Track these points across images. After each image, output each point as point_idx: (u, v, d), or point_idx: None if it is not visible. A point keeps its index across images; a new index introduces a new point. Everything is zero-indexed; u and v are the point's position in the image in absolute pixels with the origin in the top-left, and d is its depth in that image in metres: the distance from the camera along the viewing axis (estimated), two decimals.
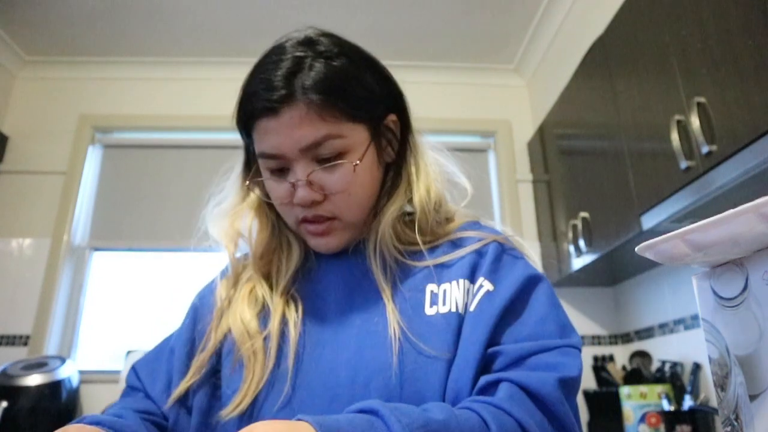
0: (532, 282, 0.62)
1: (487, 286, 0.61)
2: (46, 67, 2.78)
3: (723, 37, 1.20)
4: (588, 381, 2.22)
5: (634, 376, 1.97)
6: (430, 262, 0.66)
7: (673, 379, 1.85)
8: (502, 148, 2.73)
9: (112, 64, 2.78)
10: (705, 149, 1.22)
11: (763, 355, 0.39)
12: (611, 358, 2.26)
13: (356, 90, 0.65)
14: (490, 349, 0.57)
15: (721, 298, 0.44)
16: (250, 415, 0.60)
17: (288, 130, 0.62)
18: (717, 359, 0.44)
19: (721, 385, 0.43)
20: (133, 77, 2.80)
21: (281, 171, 0.66)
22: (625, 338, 2.35)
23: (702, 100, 1.25)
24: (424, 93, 2.72)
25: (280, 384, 0.61)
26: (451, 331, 0.59)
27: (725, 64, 1.20)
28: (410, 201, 0.70)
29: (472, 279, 0.63)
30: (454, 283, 0.63)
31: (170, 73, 2.81)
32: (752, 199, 0.36)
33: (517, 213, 2.60)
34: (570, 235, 2.08)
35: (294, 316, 0.66)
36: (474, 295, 0.61)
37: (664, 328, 2.03)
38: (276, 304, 0.67)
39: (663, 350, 2.03)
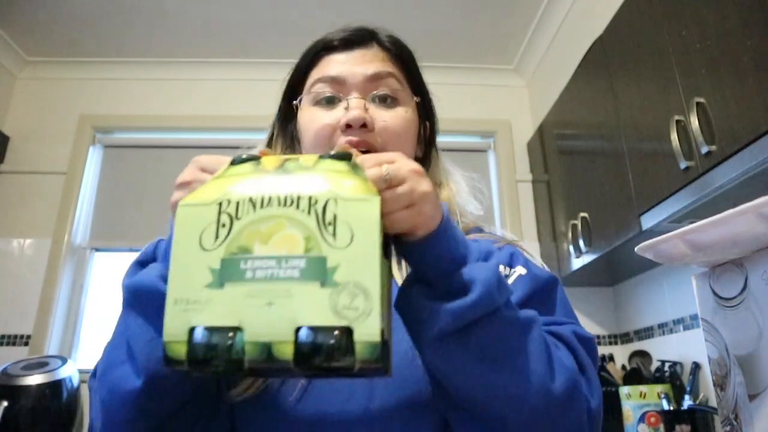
0: (554, 281, 0.63)
1: (520, 270, 0.61)
2: (46, 67, 2.78)
3: (723, 37, 1.21)
4: None
5: (633, 376, 1.97)
6: None
7: (673, 378, 1.85)
8: (501, 148, 2.73)
9: (112, 64, 2.78)
10: (704, 149, 1.23)
11: (762, 355, 0.39)
12: (611, 358, 2.26)
13: (418, 71, 0.73)
14: None
15: (721, 298, 0.44)
16: (262, 399, 0.57)
17: (357, 61, 0.67)
18: (716, 359, 0.44)
19: (721, 384, 0.44)
20: (133, 77, 2.80)
21: (330, 102, 0.66)
22: (625, 338, 2.35)
23: (701, 100, 1.26)
24: None
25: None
26: None
27: (725, 65, 1.20)
28: None
29: None
30: None
31: (170, 73, 2.81)
32: (752, 199, 0.36)
33: (517, 213, 2.60)
34: (570, 235, 2.08)
35: None
36: (507, 277, 0.60)
37: (664, 327, 2.04)
38: None
39: (662, 350, 2.03)
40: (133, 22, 2.52)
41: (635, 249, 0.48)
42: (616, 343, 2.40)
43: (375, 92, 0.66)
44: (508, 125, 2.78)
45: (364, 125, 0.63)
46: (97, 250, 2.58)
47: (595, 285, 2.42)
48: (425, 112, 0.75)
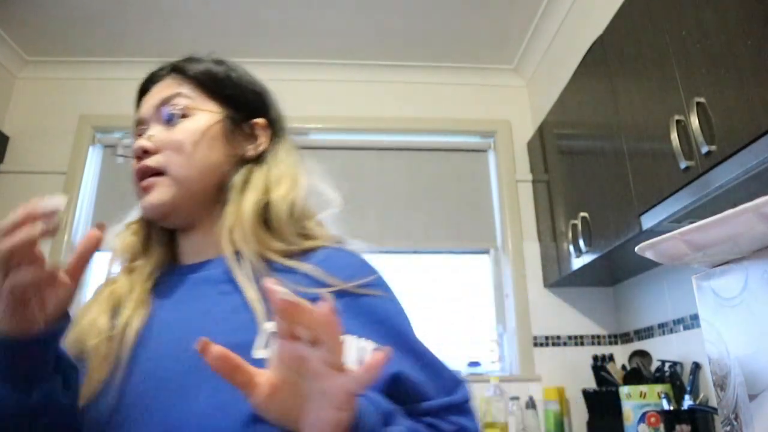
0: (401, 319, 0.63)
1: (369, 344, 0.57)
2: (46, 67, 2.78)
3: (723, 37, 1.21)
4: (588, 380, 2.22)
5: (633, 376, 1.97)
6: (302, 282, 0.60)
7: (673, 378, 1.85)
8: (501, 148, 2.73)
9: (112, 64, 2.78)
10: (704, 149, 1.23)
11: (762, 355, 0.39)
12: (611, 358, 2.26)
13: (222, 77, 0.75)
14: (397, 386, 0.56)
15: (721, 298, 0.44)
16: (94, 407, 0.58)
17: (152, 97, 0.74)
18: (717, 359, 0.44)
19: (721, 384, 0.44)
20: (133, 77, 2.74)
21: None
22: (625, 338, 2.35)
23: (701, 100, 1.26)
24: (424, 93, 2.72)
25: (112, 391, 0.58)
26: None
27: (725, 64, 1.20)
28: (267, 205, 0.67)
29: None
30: None
31: None
32: (752, 199, 0.36)
33: (517, 213, 2.60)
34: (570, 235, 2.08)
35: (137, 323, 0.63)
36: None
37: (664, 327, 2.04)
38: (128, 305, 0.65)
39: (663, 350, 2.03)
40: (133, 22, 2.52)
41: (635, 249, 0.48)
42: (616, 343, 2.40)
43: (165, 114, 0.71)
44: (508, 125, 2.78)
45: (146, 152, 0.68)
46: (97, 250, 2.58)
47: (595, 285, 2.42)
48: (250, 110, 0.75)
